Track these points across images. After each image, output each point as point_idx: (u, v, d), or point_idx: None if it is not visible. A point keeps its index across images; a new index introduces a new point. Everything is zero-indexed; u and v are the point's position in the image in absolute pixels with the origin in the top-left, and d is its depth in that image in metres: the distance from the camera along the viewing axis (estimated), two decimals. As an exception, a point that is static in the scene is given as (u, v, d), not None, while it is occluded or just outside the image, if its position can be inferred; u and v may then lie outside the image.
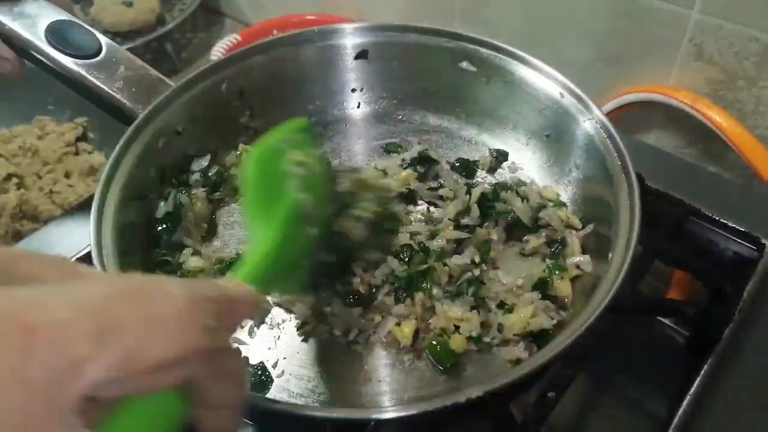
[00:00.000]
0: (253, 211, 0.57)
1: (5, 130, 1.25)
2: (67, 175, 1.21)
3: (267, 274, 0.51)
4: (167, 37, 1.43)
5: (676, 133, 1.08)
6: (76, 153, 1.26)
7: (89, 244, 0.80)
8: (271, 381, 0.65)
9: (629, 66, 1.07)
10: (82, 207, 0.93)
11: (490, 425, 0.65)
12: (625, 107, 1.08)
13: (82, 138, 1.29)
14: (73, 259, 0.81)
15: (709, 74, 0.99)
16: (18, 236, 1.09)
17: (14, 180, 1.16)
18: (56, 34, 0.76)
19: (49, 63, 0.76)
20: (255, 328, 0.69)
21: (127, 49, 0.84)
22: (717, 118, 0.98)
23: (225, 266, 0.73)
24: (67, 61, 0.76)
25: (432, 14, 1.13)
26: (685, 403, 0.68)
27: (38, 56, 0.77)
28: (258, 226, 0.55)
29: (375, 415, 0.52)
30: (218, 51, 1.31)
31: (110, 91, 0.76)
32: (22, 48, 0.77)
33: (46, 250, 0.84)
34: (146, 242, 0.73)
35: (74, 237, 0.85)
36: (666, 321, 0.86)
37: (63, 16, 0.79)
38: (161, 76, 0.79)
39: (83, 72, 0.76)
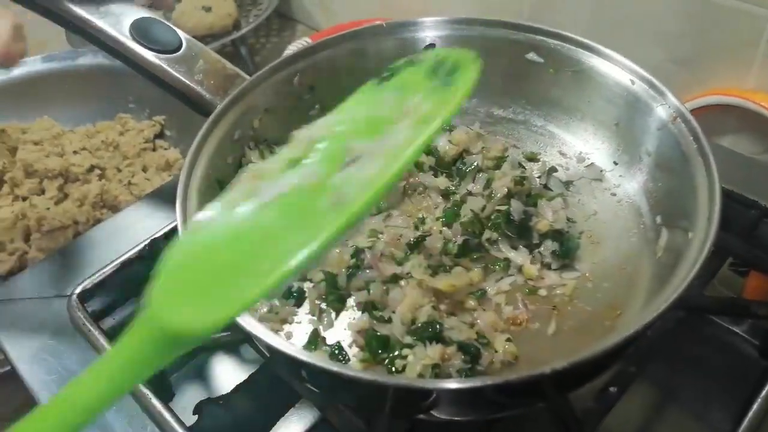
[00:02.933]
0: None
1: (90, 126, 1.32)
2: (144, 169, 1.27)
3: None
4: (242, 41, 1.48)
5: (753, 138, 1.05)
6: (154, 149, 1.33)
7: (164, 227, 0.86)
8: (348, 360, 0.66)
9: (703, 68, 1.04)
10: (153, 195, 0.98)
11: (550, 419, 0.64)
12: (698, 111, 1.05)
13: (160, 135, 1.36)
14: (148, 240, 0.85)
15: (789, 76, 0.96)
16: (98, 223, 1.15)
17: (96, 171, 1.22)
18: (140, 30, 0.80)
19: (133, 58, 0.81)
20: (323, 305, 0.71)
21: (204, 52, 0.87)
22: (798, 122, 0.95)
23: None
24: (150, 56, 0.80)
25: (499, 16, 1.13)
26: (752, 410, 0.66)
27: (123, 52, 0.81)
28: None
29: (438, 385, 0.52)
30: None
31: (190, 84, 0.80)
32: (107, 44, 0.81)
33: (120, 234, 0.89)
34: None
35: (148, 221, 0.89)
36: (738, 330, 0.83)
37: (145, 14, 0.83)
38: (237, 69, 0.83)
39: (165, 66, 0.80)
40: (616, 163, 0.81)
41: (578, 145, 0.85)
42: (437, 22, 0.87)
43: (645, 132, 0.76)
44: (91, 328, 0.76)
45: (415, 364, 0.62)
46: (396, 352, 0.65)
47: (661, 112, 0.73)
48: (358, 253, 0.73)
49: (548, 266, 0.73)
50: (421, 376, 0.61)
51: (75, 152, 1.25)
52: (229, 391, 0.78)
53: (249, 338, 0.71)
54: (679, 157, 0.69)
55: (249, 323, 0.58)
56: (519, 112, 0.89)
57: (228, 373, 0.84)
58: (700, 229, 0.61)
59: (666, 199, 0.73)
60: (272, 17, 1.58)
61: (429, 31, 0.87)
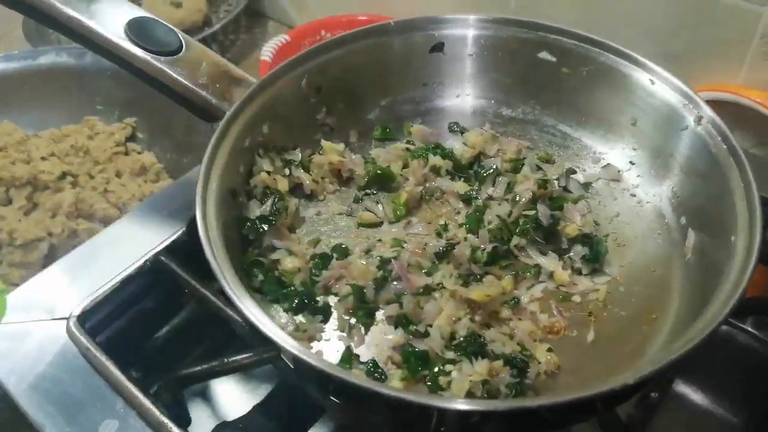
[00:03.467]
0: None
1: (55, 129, 1.24)
2: (118, 175, 1.21)
3: None
4: (213, 38, 1.42)
5: (744, 132, 1.06)
6: (126, 153, 1.26)
7: (164, 241, 0.80)
8: (385, 378, 0.63)
9: (694, 64, 1.05)
10: (141, 208, 0.92)
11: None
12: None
13: (131, 138, 1.29)
14: (149, 255, 0.79)
15: (781, 73, 0.98)
16: (74, 235, 1.09)
17: (68, 179, 1.15)
18: (137, 31, 0.75)
19: (129, 60, 0.75)
20: (352, 320, 0.68)
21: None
22: (789, 116, 0.96)
23: (320, 261, 0.72)
24: (149, 58, 0.74)
25: (486, 10, 1.12)
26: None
27: (118, 54, 0.75)
28: None
29: (519, 405, 0.51)
30: (268, 51, 1.29)
31: (195, 88, 0.74)
32: (100, 45, 0.75)
33: (110, 250, 0.82)
34: (239, 241, 0.71)
35: (139, 235, 0.83)
36: (749, 329, 0.84)
37: (141, 12, 0.77)
38: (242, 72, 0.78)
39: (166, 69, 0.74)
40: (632, 163, 0.81)
41: (592, 145, 0.84)
42: (447, 20, 0.84)
43: (666, 132, 0.75)
44: (96, 353, 0.71)
45: (461, 381, 0.60)
46: (436, 369, 0.62)
47: (685, 112, 0.73)
48: (384, 263, 0.70)
49: (579, 271, 0.71)
50: (470, 393, 0.59)
51: (43, 158, 1.17)
52: (245, 413, 0.75)
53: (273, 359, 0.67)
54: (707, 158, 0.69)
55: (294, 346, 0.55)
56: (528, 112, 0.88)
57: (241, 395, 0.81)
58: (741, 233, 0.60)
59: (692, 201, 0.73)
60: (241, 14, 1.52)
61: (438, 30, 0.85)
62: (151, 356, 0.77)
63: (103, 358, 0.71)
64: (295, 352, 0.54)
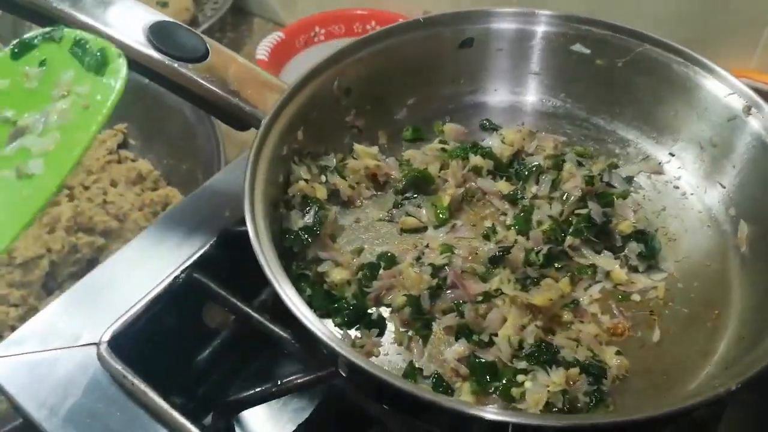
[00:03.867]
0: None
1: (45, 139, 1.18)
2: (113, 184, 1.15)
3: None
4: (201, 36, 1.37)
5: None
6: (119, 161, 1.21)
7: (192, 256, 0.76)
8: (452, 391, 0.61)
9: (706, 50, 1.04)
10: (155, 224, 0.87)
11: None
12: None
13: (123, 145, 1.23)
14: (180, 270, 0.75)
15: (795, 56, 0.98)
16: (74, 250, 1.04)
17: (65, 191, 1.09)
18: (159, 36, 0.70)
19: (153, 68, 0.70)
20: (410, 333, 0.65)
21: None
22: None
23: (368, 272, 0.69)
24: (175, 65, 0.70)
25: (488, 1, 1.10)
26: None
27: (140, 61, 0.70)
28: None
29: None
30: (263, 50, 1.26)
31: (226, 95, 0.70)
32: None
33: (131, 273, 0.77)
34: (282, 255, 0.68)
35: (160, 250, 0.78)
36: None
37: (160, 17, 0.73)
38: (271, 76, 0.74)
39: (195, 76, 0.70)
40: (672, 155, 0.80)
41: (629, 138, 0.82)
42: (476, 14, 0.82)
43: (712, 123, 0.74)
44: (134, 380, 0.67)
45: (537, 392, 0.57)
46: (505, 380, 0.60)
47: (732, 102, 0.72)
48: (436, 271, 0.67)
49: (635, 269, 0.70)
50: (550, 404, 0.57)
51: (34, 171, 1.11)
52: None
53: (330, 377, 0.63)
54: (762, 149, 0.68)
55: (371, 365, 0.52)
56: (559, 106, 0.86)
57: (270, 412, 0.77)
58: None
59: (743, 192, 0.72)
60: (227, 11, 1.47)
61: (467, 25, 0.82)
62: (192, 381, 0.73)
63: (142, 386, 0.67)
64: (373, 370, 0.51)
